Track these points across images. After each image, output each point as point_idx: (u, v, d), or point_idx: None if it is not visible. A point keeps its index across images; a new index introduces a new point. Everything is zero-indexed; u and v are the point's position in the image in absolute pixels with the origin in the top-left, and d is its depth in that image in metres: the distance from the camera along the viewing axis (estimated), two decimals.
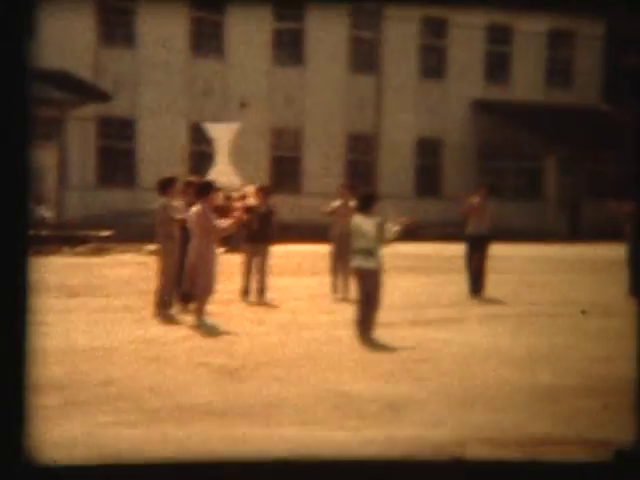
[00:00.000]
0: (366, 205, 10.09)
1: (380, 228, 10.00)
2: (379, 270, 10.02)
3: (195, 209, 11.08)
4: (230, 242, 16.81)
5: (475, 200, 14.91)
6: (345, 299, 13.51)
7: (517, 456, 5.27)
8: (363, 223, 10.00)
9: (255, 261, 13.58)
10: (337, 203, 14.46)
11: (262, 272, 13.54)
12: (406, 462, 4.95)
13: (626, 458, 4.58)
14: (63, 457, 4.88)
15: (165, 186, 11.93)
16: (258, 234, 13.40)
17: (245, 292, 13.60)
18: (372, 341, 9.96)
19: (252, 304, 13.22)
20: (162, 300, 11.61)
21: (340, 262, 13.90)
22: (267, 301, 13.37)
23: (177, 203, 11.97)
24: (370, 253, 9.94)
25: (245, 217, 12.35)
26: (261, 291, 13.51)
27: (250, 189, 24.72)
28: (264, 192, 14.08)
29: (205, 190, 11.20)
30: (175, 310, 11.81)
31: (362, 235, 9.97)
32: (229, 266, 14.30)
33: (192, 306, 11.36)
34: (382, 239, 10.03)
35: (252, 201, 14.09)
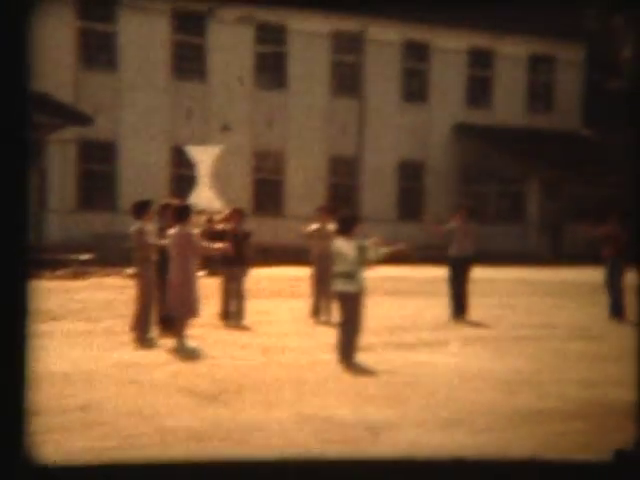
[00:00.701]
0: (346, 228, 10.00)
1: (361, 251, 9.91)
2: (360, 293, 9.94)
3: (174, 231, 11.03)
4: (210, 265, 16.75)
5: (456, 222, 14.90)
6: (327, 322, 13.46)
7: (517, 456, 5.23)
8: (343, 246, 9.92)
9: (232, 285, 13.53)
10: (315, 226, 14.43)
11: (239, 296, 13.50)
12: (406, 462, 4.91)
13: (626, 458, 4.55)
14: (63, 457, 4.82)
15: (140, 209, 11.86)
16: (234, 258, 13.34)
17: (225, 315, 13.54)
18: (354, 365, 9.91)
19: (231, 327, 13.15)
20: (140, 324, 11.52)
21: (320, 285, 13.86)
22: (245, 324, 13.30)
23: (151, 227, 11.90)
24: (351, 276, 9.86)
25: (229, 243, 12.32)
26: (239, 315, 13.45)
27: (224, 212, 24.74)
28: (238, 215, 14.03)
29: (184, 213, 11.17)
30: (154, 334, 11.73)
31: (343, 258, 9.89)
32: (208, 289, 14.23)
33: (173, 329, 11.27)
34: (364, 261, 9.96)
35: (226, 225, 14.04)
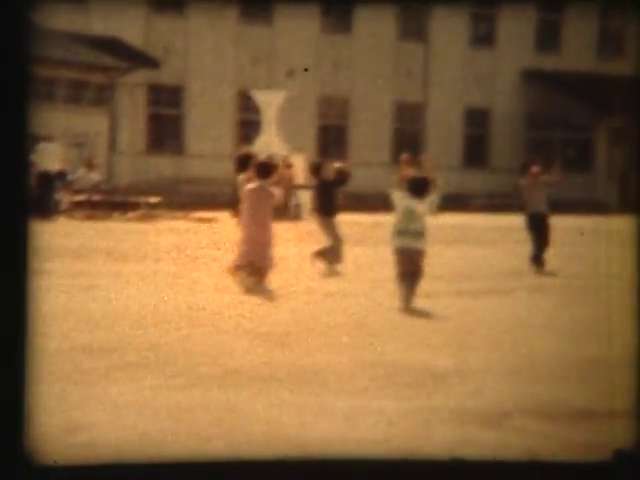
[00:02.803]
0: (420, 190, 10.16)
1: (431, 207, 10.15)
2: (425, 250, 10.20)
3: (254, 186, 11.20)
4: (279, 212, 16.85)
5: (530, 177, 14.78)
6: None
7: (517, 456, 5.25)
8: (416, 205, 10.08)
9: (326, 230, 13.68)
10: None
11: (336, 239, 13.60)
12: (406, 462, 4.95)
13: (626, 458, 4.55)
14: (63, 457, 4.89)
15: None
16: (324, 205, 13.49)
17: (321, 256, 13.59)
18: (419, 311, 9.98)
19: (298, 272, 13.27)
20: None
21: None
22: (337, 271, 13.34)
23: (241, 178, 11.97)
24: (420, 234, 10.06)
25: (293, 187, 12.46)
26: (334, 260, 13.49)
27: (297, 158, 24.68)
28: (319, 167, 14.13)
29: (267, 169, 11.37)
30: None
31: (415, 216, 10.07)
32: (278, 236, 14.36)
33: (249, 276, 11.38)
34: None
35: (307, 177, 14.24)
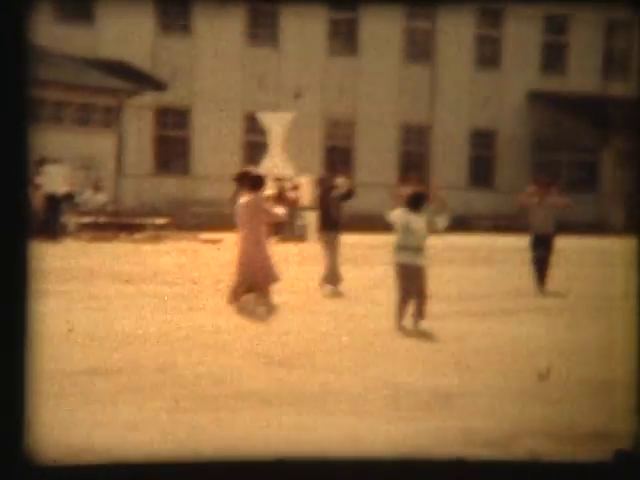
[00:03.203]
0: (416, 204, 10.21)
1: (430, 224, 10.15)
2: (425, 266, 10.19)
3: (246, 199, 11.17)
4: (284, 232, 16.89)
5: (538, 196, 14.80)
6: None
7: (517, 456, 5.24)
8: (414, 221, 10.11)
9: (326, 250, 13.68)
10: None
11: (333, 260, 13.62)
12: (406, 462, 4.94)
13: (626, 458, 4.55)
14: (63, 457, 4.89)
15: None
16: (328, 222, 13.53)
17: (325, 280, 13.61)
18: (424, 332, 9.99)
19: (303, 293, 13.29)
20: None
21: None
22: (338, 290, 13.36)
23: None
24: (419, 250, 10.07)
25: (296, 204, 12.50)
26: (334, 280, 13.52)
27: (303, 179, 24.75)
28: (325, 182, 14.21)
29: (258, 182, 11.34)
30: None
31: (412, 232, 10.09)
32: (285, 256, 14.38)
33: (250, 295, 11.40)
34: (428, 234, 10.22)
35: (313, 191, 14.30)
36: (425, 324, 10.17)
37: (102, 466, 4.79)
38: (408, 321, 10.20)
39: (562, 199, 15.13)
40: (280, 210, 11.69)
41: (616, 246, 24.75)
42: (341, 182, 14.32)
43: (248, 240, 11.11)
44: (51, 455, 4.73)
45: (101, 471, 4.69)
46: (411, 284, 10.12)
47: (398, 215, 10.29)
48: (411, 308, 10.21)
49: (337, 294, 13.22)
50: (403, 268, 10.19)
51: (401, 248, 10.17)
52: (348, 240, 20.09)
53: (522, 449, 5.68)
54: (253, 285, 11.26)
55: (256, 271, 11.06)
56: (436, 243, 10.39)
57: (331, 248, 13.61)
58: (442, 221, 10.39)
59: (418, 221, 10.11)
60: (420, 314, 10.18)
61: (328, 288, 13.44)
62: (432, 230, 10.23)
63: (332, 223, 13.60)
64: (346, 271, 16.63)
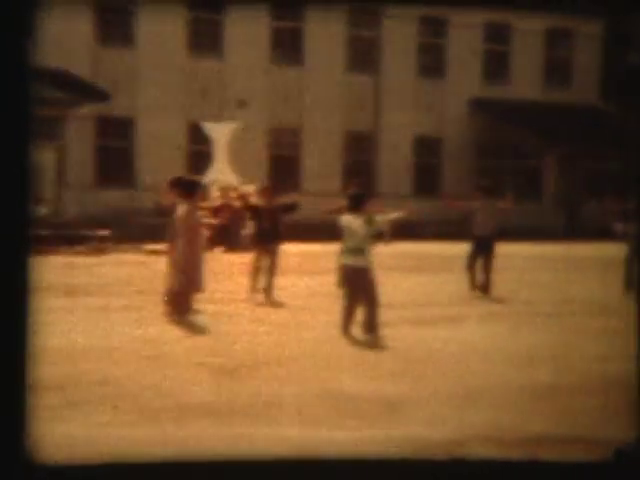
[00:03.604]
0: (356, 204, 10.17)
1: (369, 225, 10.08)
2: (369, 268, 10.09)
3: (181, 208, 10.99)
4: (230, 242, 16.77)
5: (478, 200, 14.94)
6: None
7: (517, 456, 5.27)
8: (352, 222, 10.09)
9: (264, 260, 13.55)
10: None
11: (271, 272, 13.51)
12: (406, 462, 4.94)
13: (626, 458, 4.57)
14: (63, 457, 4.86)
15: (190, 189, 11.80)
16: (268, 233, 13.41)
17: (253, 290, 13.53)
18: (371, 340, 9.96)
19: (255, 303, 13.21)
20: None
21: None
22: (273, 300, 13.34)
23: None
24: (360, 251, 10.01)
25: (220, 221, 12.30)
26: (269, 291, 13.46)
27: (249, 188, 24.64)
28: (269, 191, 14.09)
29: (191, 188, 11.11)
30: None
31: (351, 234, 10.06)
32: (229, 266, 14.28)
33: (177, 305, 11.22)
34: (371, 237, 10.14)
35: (260, 200, 14.12)
36: (376, 332, 10.13)
37: (102, 466, 4.74)
38: (357, 330, 10.14)
39: (506, 202, 15.26)
40: (204, 231, 11.39)
41: (558, 251, 25.07)
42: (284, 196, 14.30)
43: (181, 247, 10.88)
44: (51, 455, 4.68)
45: (101, 471, 4.63)
46: (356, 288, 10.05)
47: (342, 219, 10.28)
48: (360, 316, 10.15)
49: (277, 304, 13.15)
50: (345, 270, 10.15)
51: (343, 250, 10.16)
52: (292, 249, 20.02)
53: (469, 456, 5.67)
54: (179, 292, 11.07)
55: (182, 278, 10.88)
56: (382, 250, 10.37)
57: (272, 259, 13.53)
58: (381, 219, 10.38)
59: (356, 222, 10.07)
60: (371, 325, 10.06)
61: (263, 298, 13.37)
62: (372, 230, 10.13)
63: (272, 236, 13.49)
64: (292, 280, 16.58)
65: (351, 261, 10.05)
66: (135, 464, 4.84)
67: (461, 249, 15.23)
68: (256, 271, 13.59)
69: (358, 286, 10.02)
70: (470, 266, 14.72)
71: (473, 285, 14.66)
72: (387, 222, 10.66)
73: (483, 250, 14.69)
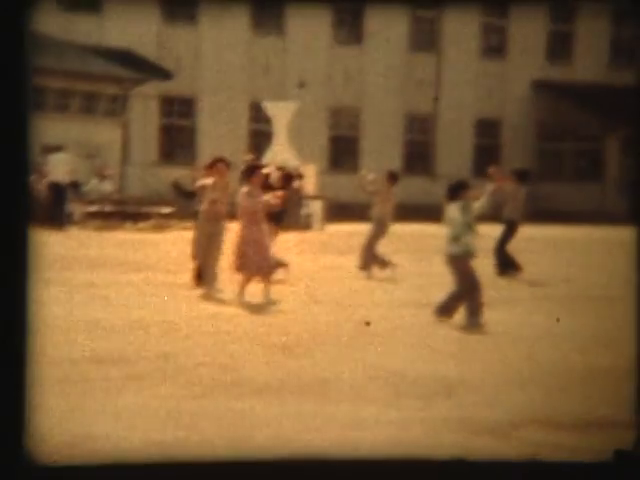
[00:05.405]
0: (454, 194, 10.18)
1: (465, 211, 10.04)
2: (465, 256, 10.05)
3: (242, 190, 11.23)
4: (289, 222, 16.80)
5: (509, 185, 14.92)
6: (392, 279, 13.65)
7: (517, 456, 5.27)
8: (450, 210, 10.13)
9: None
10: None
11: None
12: (406, 462, 4.96)
13: (626, 458, 4.57)
14: (63, 457, 4.90)
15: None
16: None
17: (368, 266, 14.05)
18: (428, 321, 10.02)
19: (305, 282, 13.30)
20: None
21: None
22: (317, 280, 13.42)
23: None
24: (456, 239, 10.04)
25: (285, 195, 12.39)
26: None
27: (308, 169, 24.68)
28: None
29: (250, 172, 11.36)
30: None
31: (450, 222, 10.12)
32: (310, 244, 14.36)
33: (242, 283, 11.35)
34: (470, 223, 10.08)
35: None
36: (428, 313, 10.17)
37: (102, 466, 4.80)
38: (460, 317, 10.06)
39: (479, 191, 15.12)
40: (274, 200, 11.57)
41: (619, 235, 24.72)
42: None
43: (245, 229, 11.12)
44: (51, 455, 4.75)
45: (101, 471, 4.71)
46: (455, 275, 10.07)
47: (446, 208, 10.34)
48: (449, 300, 10.12)
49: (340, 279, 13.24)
50: (447, 258, 10.22)
51: (447, 239, 10.22)
52: (350, 229, 20.02)
53: (523, 438, 5.71)
54: (254, 275, 11.24)
55: (259, 261, 11.07)
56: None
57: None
58: (479, 206, 10.32)
59: (452, 210, 10.09)
60: (471, 311, 9.93)
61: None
62: (468, 217, 10.08)
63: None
64: (347, 260, 16.63)
65: (450, 249, 10.11)
66: (135, 464, 4.88)
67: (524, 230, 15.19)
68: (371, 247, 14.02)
69: (455, 274, 10.06)
70: (502, 250, 14.67)
71: (506, 268, 14.56)
72: (479, 208, 10.52)
73: (513, 234, 14.77)
